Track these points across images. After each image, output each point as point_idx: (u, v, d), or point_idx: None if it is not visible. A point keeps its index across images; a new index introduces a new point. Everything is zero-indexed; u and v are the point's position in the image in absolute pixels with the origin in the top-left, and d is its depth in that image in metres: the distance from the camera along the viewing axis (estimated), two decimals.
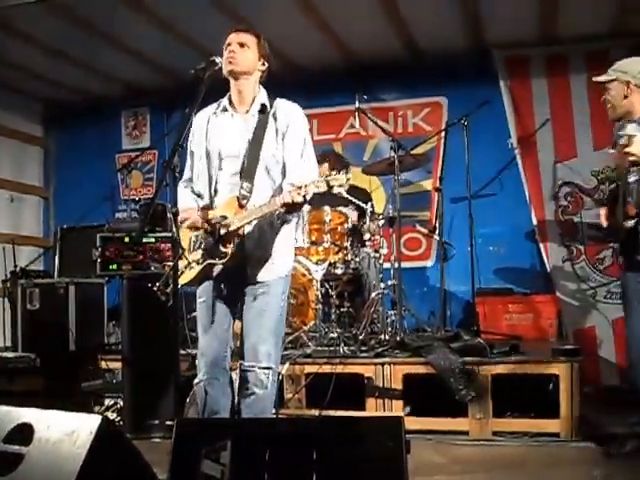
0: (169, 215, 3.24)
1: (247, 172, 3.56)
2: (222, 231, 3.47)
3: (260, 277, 3.57)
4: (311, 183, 3.32)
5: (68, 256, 7.60)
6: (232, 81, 3.65)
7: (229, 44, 3.61)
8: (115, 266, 5.54)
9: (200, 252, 3.53)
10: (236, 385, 3.65)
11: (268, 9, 5.94)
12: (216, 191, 3.63)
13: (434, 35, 6.71)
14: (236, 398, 3.64)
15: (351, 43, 6.89)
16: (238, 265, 3.52)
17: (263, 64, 3.72)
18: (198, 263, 3.51)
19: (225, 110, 3.69)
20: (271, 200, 3.45)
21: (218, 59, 3.52)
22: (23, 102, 8.23)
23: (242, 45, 3.61)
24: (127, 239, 5.55)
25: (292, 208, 3.41)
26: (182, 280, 3.51)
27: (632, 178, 3.99)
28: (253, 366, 3.51)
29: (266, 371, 3.53)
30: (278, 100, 3.80)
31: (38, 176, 8.63)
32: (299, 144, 3.71)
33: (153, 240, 5.36)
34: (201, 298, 3.61)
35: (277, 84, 7.15)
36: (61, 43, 6.59)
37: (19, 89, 7.94)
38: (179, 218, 3.41)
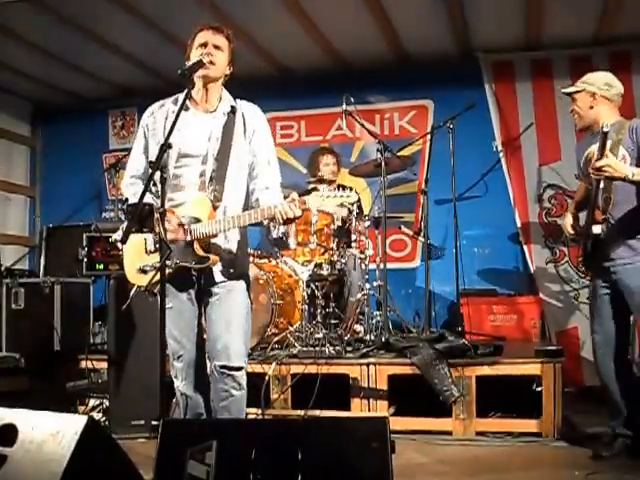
0: (156, 215, 3.23)
1: (219, 173, 3.52)
2: (198, 234, 3.43)
3: (225, 276, 3.54)
4: (316, 197, 3.32)
5: (54, 255, 7.60)
6: (199, 81, 3.54)
7: (204, 44, 3.52)
8: (101, 266, 5.55)
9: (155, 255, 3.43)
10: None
11: (256, 11, 5.95)
12: (176, 188, 3.54)
13: (421, 39, 6.74)
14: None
15: (338, 45, 6.90)
16: (204, 267, 3.51)
17: (230, 67, 3.65)
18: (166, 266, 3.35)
19: (187, 109, 3.55)
20: (260, 209, 3.40)
21: (205, 59, 3.49)
22: (10, 101, 8.20)
23: (217, 47, 3.54)
24: (113, 239, 5.54)
25: (291, 221, 3.40)
26: (140, 282, 3.50)
27: (602, 184, 4.08)
28: (229, 367, 3.45)
29: (242, 372, 3.50)
30: (240, 101, 3.72)
31: (25, 175, 8.59)
32: (268, 149, 3.70)
33: None
34: (168, 304, 3.37)
35: (264, 85, 7.20)
36: (49, 43, 6.58)
37: (6, 88, 7.91)
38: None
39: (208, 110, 3.62)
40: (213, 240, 3.51)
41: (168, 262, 3.33)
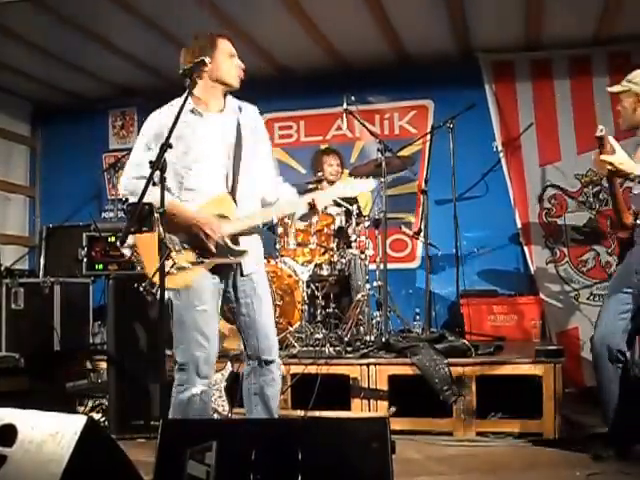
0: (155, 215, 3.23)
1: (234, 170, 3.60)
2: (230, 230, 3.53)
3: (252, 268, 3.66)
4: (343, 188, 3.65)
5: (54, 255, 7.60)
6: (212, 84, 3.63)
7: (233, 55, 3.66)
8: (101, 266, 5.54)
9: (193, 252, 3.52)
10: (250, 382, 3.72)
11: (256, 11, 5.95)
12: (193, 188, 3.58)
13: (421, 39, 6.73)
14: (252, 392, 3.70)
15: (338, 45, 6.90)
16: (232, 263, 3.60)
17: None
18: (197, 263, 3.51)
19: (194, 111, 3.60)
20: (293, 201, 3.75)
21: (206, 59, 3.50)
22: (10, 101, 8.19)
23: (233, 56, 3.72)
24: (113, 239, 5.55)
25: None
26: (178, 284, 3.48)
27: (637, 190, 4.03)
28: (274, 360, 3.69)
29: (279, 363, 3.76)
30: (243, 103, 3.80)
31: (24, 175, 8.57)
32: (270, 150, 3.93)
33: None
34: (202, 305, 3.50)
35: (264, 85, 7.19)
36: (49, 43, 6.56)
37: (6, 88, 7.91)
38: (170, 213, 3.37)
39: (217, 110, 3.68)
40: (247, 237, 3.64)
41: (193, 259, 3.49)
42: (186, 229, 3.50)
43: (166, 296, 3.42)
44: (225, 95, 3.71)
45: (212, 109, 3.66)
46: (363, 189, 3.81)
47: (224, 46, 3.64)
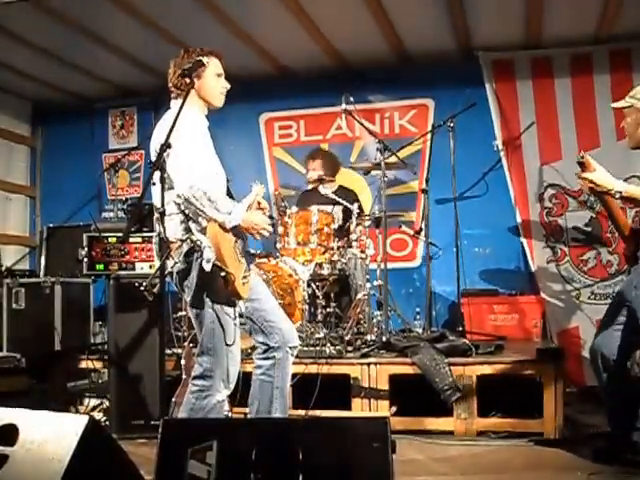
0: (156, 215, 3.23)
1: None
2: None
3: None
4: None
5: (54, 255, 7.60)
6: (197, 100, 3.69)
7: (220, 74, 3.72)
8: (101, 266, 5.53)
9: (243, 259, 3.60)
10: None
11: (256, 10, 5.94)
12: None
13: (421, 37, 6.72)
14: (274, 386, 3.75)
15: (339, 44, 6.89)
16: None
17: None
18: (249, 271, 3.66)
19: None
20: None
21: (205, 59, 3.52)
22: (10, 101, 8.19)
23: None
24: (114, 239, 5.54)
25: None
26: (244, 293, 3.57)
27: None
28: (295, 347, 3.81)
29: None
30: None
31: (25, 175, 8.57)
32: None
33: (139, 240, 5.36)
34: (238, 319, 3.65)
35: (264, 85, 7.19)
36: (49, 42, 6.56)
37: (6, 88, 7.91)
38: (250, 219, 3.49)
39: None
40: None
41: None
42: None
43: (208, 302, 3.49)
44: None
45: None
46: None
47: (213, 65, 3.68)
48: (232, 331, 3.57)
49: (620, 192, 3.80)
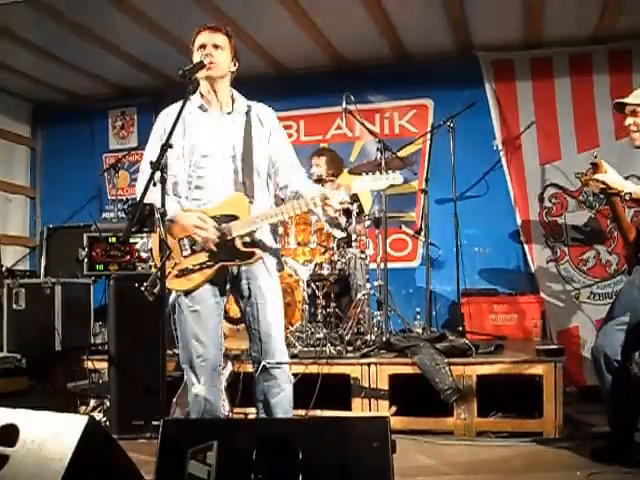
0: (157, 215, 3.22)
1: (246, 171, 3.56)
2: (238, 232, 3.48)
3: (267, 271, 3.62)
4: (359, 180, 3.41)
5: (54, 256, 7.61)
6: (206, 82, 3.60)
7: (203, 45, 3.54)
8: (102, 266, 5.54)
9: (204, 255, 3.51)
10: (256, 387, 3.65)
11: (256, 11, 5.95)
12: (199, 188, 3.57)
13: (421, 37, 6.74)
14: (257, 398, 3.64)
15: (338, 44, 6.90)
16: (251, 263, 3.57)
17: (234, 64, 3.66)
18: (205, 266, 3.50)
19: (205, 110, 3.63)
20: (311, 197, 3.53)
21: (206, 60, 3.51)
22: (10, 102, 8.20)
23: (217, 47, 3.55)
24: (114, 239, 5.55)
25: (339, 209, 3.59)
26: (183, 286, 3.51)
27: None
28: (280, 363, 3.57)
29: (287, 365, 3.62)
30: (253, 103, 3.77)
31: (25, 176, 8.58)
32: (290, 151, 3.81)
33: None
34: (194, 306, 3.52)
35: (264, 85, 7.22)
36: (49, 43, 6.57)
37: (6, 89, 7.92)
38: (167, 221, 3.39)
39: (225, 111, 3.65)
40: (258, 236, 3.59)
41: (202, 261, 3.48)
42: (187, 233, 3.52)
43: (173, 297, 3.48)
44: (232, 95, 3.68)
45: (217, 107, 3.65)
46: (391, 182, 3.60)
47: (197, 41, 3.58)
48: (191, 322, 3.51)
49: (630, 193, 3.82)
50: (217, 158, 3.58)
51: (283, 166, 3.76)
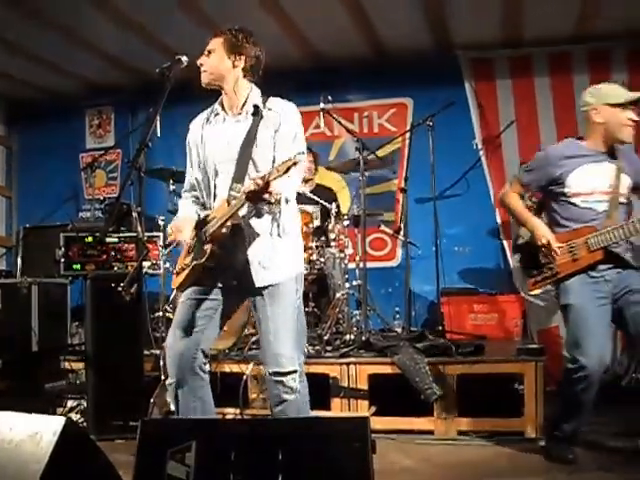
0: (134, 215, 3.20)
1: (238, 174, 3.44)
2: (208, 232, 3.38)
3: (263, 280, 3.44)
4: (273, 169, 3.11)
5: (31, 256, 7.52)
6: (220, 89, 3.59)
7: (202, 53, 3.57)
8: (78, 266, 5.48)
9: (190, 256, 3.48)
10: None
11: (234, 10, 5.91)
12: (215, 197, 3.54)
13: (400, 36, 6.73)
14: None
15: (316, 43, 6.89)
16: (236, 268, 3.46)
17: (237, 59, 3.56)
18: (187, 266, 3.46)
19: (217, 114, 3.61)
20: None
21: (184, 58, 3.48)
22: None
23: (209, 53, 3.54)
24: (90, 239, 5.49)
25: (254, 198, 3.21)
26: (174, 283, 3.54)
27: None
28: (278, 373, 3.41)
29: (293, 375, 3.42)
30: (272, 99, 3.71)
31: (1, 175, 8.52)
32: (288, 141, 3.55)
33: (117, 240, 5.31)
34: (182, 299, 3.53)
35: None
36: (25, 41, 6.50)
37: None
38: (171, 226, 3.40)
39: (235, 114, 3.60)
40: (239, 242, 3.45)
41: (187, 262, 3.45)
42: None
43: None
44: (247, 96, 3.63)
45: (230, 112, 3.61)
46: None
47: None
48: (177, 316, 3.54)
49: None
50: (223, 165, 3.52)
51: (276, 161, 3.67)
